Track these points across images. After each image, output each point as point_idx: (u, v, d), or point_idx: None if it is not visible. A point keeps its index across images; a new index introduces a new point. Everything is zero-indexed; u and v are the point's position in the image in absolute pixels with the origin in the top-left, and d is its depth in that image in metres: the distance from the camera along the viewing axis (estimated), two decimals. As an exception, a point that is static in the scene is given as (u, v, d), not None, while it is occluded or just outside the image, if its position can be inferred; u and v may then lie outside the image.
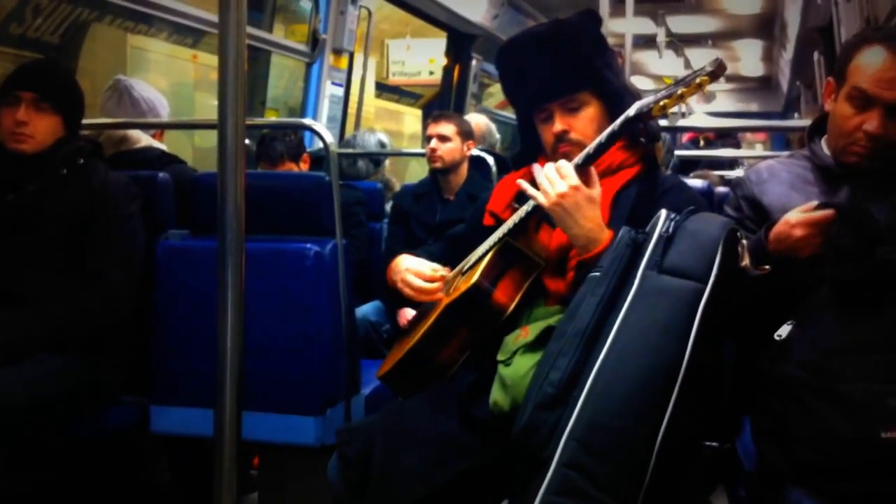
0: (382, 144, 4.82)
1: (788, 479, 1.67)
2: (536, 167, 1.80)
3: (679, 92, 1.69)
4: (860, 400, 1.58)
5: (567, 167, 1.75)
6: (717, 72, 1.65)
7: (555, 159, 1.82)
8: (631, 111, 1.74)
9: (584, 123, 1.90)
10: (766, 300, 1.88)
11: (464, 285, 1.87)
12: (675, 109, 1.75)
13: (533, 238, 1.92)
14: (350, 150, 4.75)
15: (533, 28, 2.01)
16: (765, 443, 1.77)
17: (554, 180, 1.74)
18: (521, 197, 1.95)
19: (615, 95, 1.89)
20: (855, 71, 1.91)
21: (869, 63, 1.89)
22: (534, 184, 1.78)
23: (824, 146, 2.07)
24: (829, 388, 1.62)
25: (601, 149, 1.77)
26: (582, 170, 1.76)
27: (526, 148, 2.07)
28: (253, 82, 5.75)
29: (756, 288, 1.84)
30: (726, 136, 7.32)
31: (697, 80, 1.67)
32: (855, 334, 1.65)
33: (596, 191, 1.77)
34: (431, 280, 1.97)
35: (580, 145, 1.83)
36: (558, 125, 1.90)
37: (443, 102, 7.70)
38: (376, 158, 4.81)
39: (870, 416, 1.56)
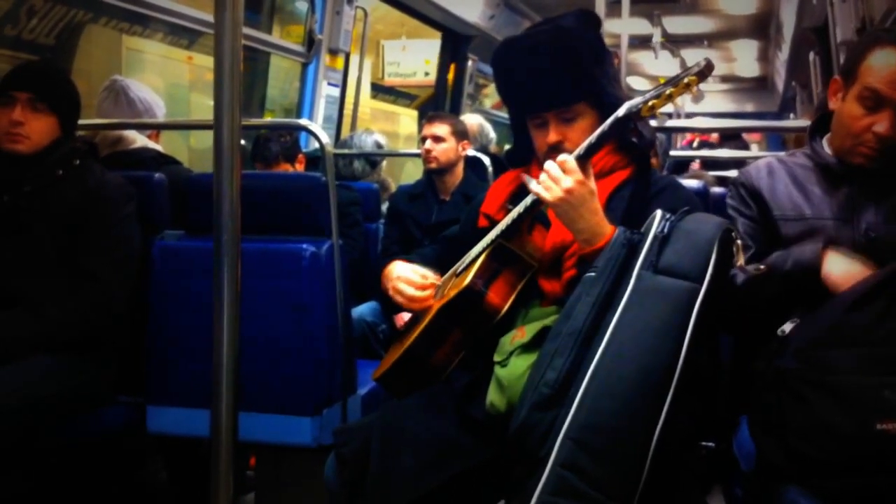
0: (379, 145, 4.83)
1: (785, 474, 1.67)
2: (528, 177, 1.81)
3: (668, 92, 1.69)
4: (855, 392, 1.58)
5: (571, 161, 1.74)
6: (705, 71, 1.65)
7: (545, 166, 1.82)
8: (620, 111, 1.74)
9: (578, 134, 1.88)
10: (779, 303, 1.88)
11: (457, 287, 1.88)
12: (667, 109, 1.75)
13: (526, 239, 1.91)
14: (346, 151, 4.75)
15: (532, 32, 1.98)
16: (761, 436, 1.77)
17: (558, 176, 1.74)
18: (515, 198, 1.95)
19: (612, 106, 1.86)
20: (867, 71, 1.90)
21: (882, 64, 1.88)
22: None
23: (826, 145, 2.07)
24: (824, 380, 1.62)
25: (591, 151, 1.77)
26: (581, 164, 1.76)
27: (519, 146, 2.07)
28: (251, 84, 5.75)
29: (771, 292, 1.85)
30: (736, 139, 7.31)
31: (685, 80, 1.67)
32: (849, 326, 1.65)
33: (593, 184, 1.76)
34: (422, 288, 1.97)
35: None
36: (553, 135, 1.90)
37: (437, 103, 7.69)
38: (373, 159, 4.82)
39: (865, 408, 1.56)
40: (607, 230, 1.73)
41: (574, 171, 1.73)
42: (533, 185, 1.78)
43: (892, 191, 1.95)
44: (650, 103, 1.71)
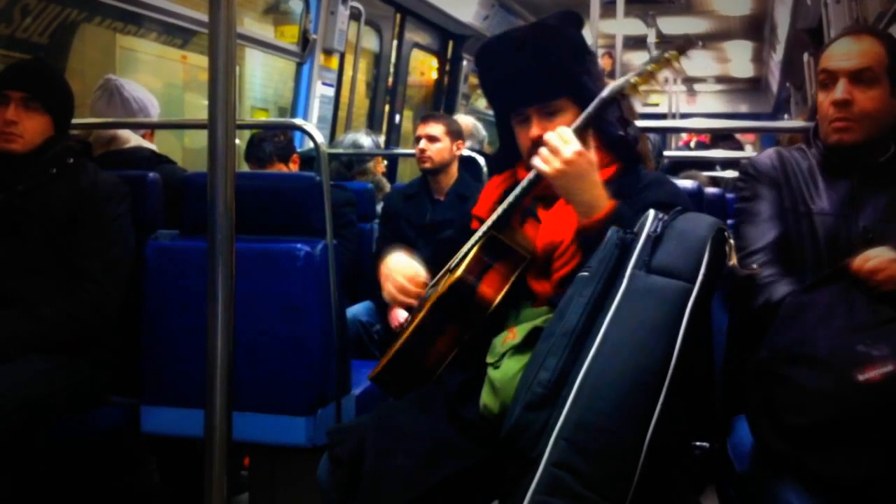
0: (356, 146, 4.82)
1: (783, 460, 1.68)
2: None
3: (649, 68, 1.71)
4: (829, 354, 1.64)
5: (568, 132, 1.75)
6: (686, 46, 1.67)
7: (528, 163, 1.82)
8: (604, 92, 1.75)
9: None
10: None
11: (449, 281, 1.88)
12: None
13: (518, 231, 1.91)
14: (340, 150, 4.75)
15: (513, 30, 2.00)
16: (755, 425, 1.79)
17: (558, 146, 1.74)
18: (504, 199, 1.95)
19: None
20: (823, 61, 2.03)
21: (834, 48, 2.03)
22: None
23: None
24: (798, 353, 1.68)
25: (577, 133, 1.77)
26: (579, 137, 1.76)
27: (505, 148, 2.07)
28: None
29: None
30: (730, 139, 7.31)
31: (666, 55, 1.68)
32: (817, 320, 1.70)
33: (593, 155, 1.77)
34: (413, 282, 1.98)
35: None
36: (535, 130, 1.90)
37: (375, 86, 7.47)
38: (348, 161, 4.82)
39: (842, 365, 1.61)
40: (606, 203, 1.74)
41: (573, 141, 1.74)
42: (535, 160, 1.78)
43: (890, 186, 1.97)
44: (633, 81, 1.72)
